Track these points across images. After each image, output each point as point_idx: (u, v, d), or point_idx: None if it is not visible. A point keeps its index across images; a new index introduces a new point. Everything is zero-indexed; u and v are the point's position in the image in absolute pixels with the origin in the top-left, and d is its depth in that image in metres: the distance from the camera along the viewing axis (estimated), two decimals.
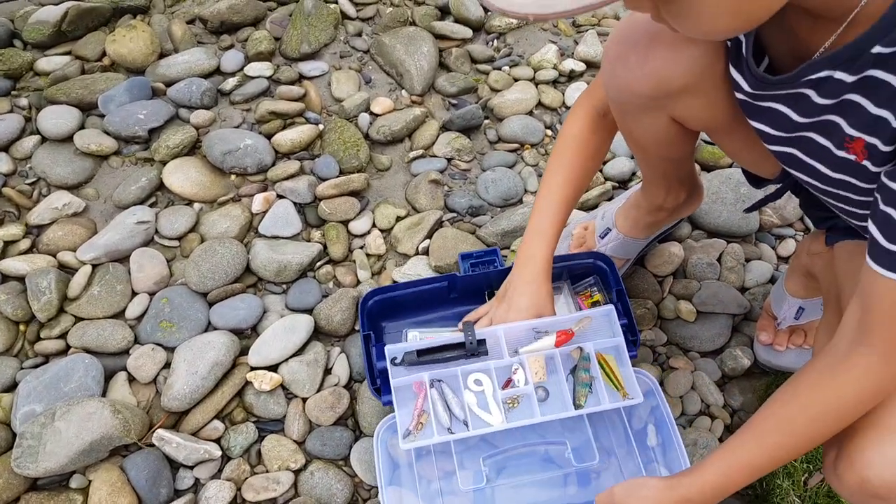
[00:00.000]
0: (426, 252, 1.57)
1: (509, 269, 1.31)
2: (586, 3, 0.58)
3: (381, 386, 1.25)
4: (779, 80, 0.82)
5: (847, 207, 0.94)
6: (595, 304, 1.36)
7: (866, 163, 0.79)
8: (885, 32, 0.68)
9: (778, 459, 0.94)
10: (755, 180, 1.23)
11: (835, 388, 0.87)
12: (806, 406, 0.89)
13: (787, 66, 0.82)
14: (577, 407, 1.17)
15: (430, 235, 1.59)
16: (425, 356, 1.20)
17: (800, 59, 0.78)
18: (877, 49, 0.69)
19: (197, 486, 1.28)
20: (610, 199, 1.68)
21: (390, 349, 1.20)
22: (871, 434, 0.86)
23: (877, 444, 0.86)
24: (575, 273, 1.42)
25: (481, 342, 1.20)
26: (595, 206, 1.67)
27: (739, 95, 0.91)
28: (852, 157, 0.81)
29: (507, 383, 1.21)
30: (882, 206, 0.75)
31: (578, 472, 1.25)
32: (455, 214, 1.65)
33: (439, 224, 1.62)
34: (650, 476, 1.17)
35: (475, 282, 1.36)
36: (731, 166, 1.73)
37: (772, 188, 1.20)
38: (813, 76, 0.77)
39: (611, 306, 1.25)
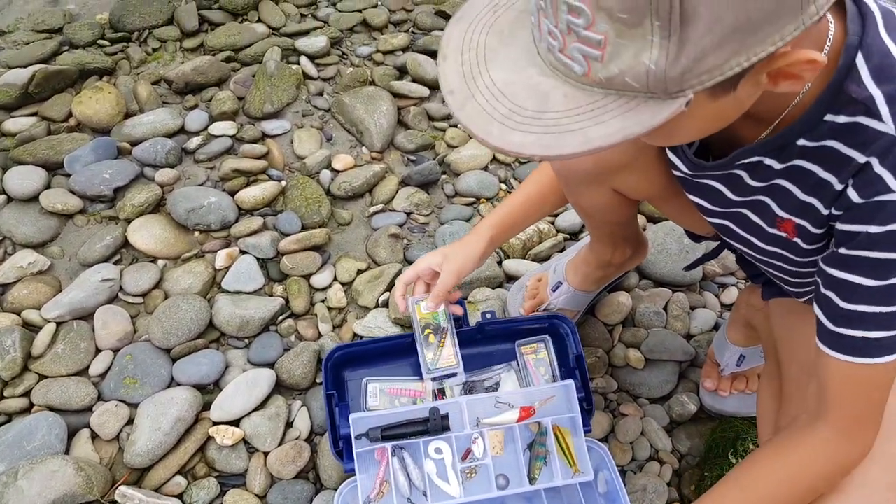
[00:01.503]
0: (386, 305, 1.62)
1: (474, 328, 1.38)
2: (593, 146, 0.58)
3: (344, 450, 1.28)
4: (713, 166, 0.87)
5: (780, 275, 1.00)
6: (539, 360, 1.42)
7: (797, 240, 0.85)
8: (808, 127, 0.74)
9: None
10: (694, 236, 1.31)
11: (796, 461, 0.89)
12: (767, 476, 0.91)
13: (718, 149, 0.88)
14: (531, 480, 1.25)
15: (389, 288, 1.65)
16: (389, 432, 1.26)
17: (732, 145, 0.84)
18: (801, 142, 0.76)
19: None
20: (562, 250, 1.76)
21: (355, 421, 1.25)
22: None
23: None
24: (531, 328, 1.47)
25: (444, 417, 1.26)
26: (548, 258, 1.74)
27: (677, 173, 0.98)
28: (783, 234, 0.87)
29: (467, 453, 1.27)
30: (823, 290, 0.81)
31: None
32: None
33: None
34: None
35: None
36: None
37: (711, 245, 1.29)
38: (745, 160, 0.83)
39: (570, 382, 1.31)
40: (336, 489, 1.27)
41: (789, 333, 1.14)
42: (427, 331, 1.29)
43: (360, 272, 1.69)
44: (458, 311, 1.33)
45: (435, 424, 1.26)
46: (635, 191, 1.15)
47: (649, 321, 1.63)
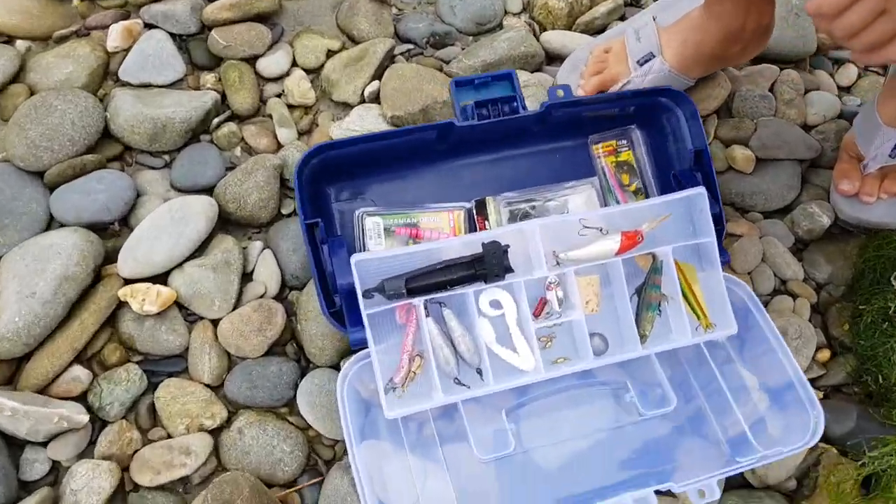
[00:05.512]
0: (376, 99, 1.13)
1: (536, 114, 0.93)
2: None
3: (344, 310, 0.84)
4: None
5: None
6: (621, 164, 1.02)
7: None
8: None
9: None
10: None
11: None
12: None
13: None
14: (642, 338, 0.89)
15: (379, 75, 1.15)
16: (417, 283, 0.81)
17: None
18: None
19: (57, 471, 0.86)
20: (622, 18, 1.25)
21: (359, 262, 0.79)
22: None
23: None
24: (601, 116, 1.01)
25: (504, 253, 0.83)
26: (602, 30, 1.24)
27: None
28: None
29: (541, 306, 0.88)
30: None
31: (648, 421, 0.91)
32: (412, 46, 1.22)
33: (391, 59, 1.18)
34: None
35: (482, 132, 0.92)
36: None
37: None
38: None
39: (702, 189, 0.89)
40: (333, 367, 0.83)
41: None
42: None
43: (331, 53, 1.18)
44: None
45: (492, 265, 0.81)
46: None
47: (754, 109, 1.18)
